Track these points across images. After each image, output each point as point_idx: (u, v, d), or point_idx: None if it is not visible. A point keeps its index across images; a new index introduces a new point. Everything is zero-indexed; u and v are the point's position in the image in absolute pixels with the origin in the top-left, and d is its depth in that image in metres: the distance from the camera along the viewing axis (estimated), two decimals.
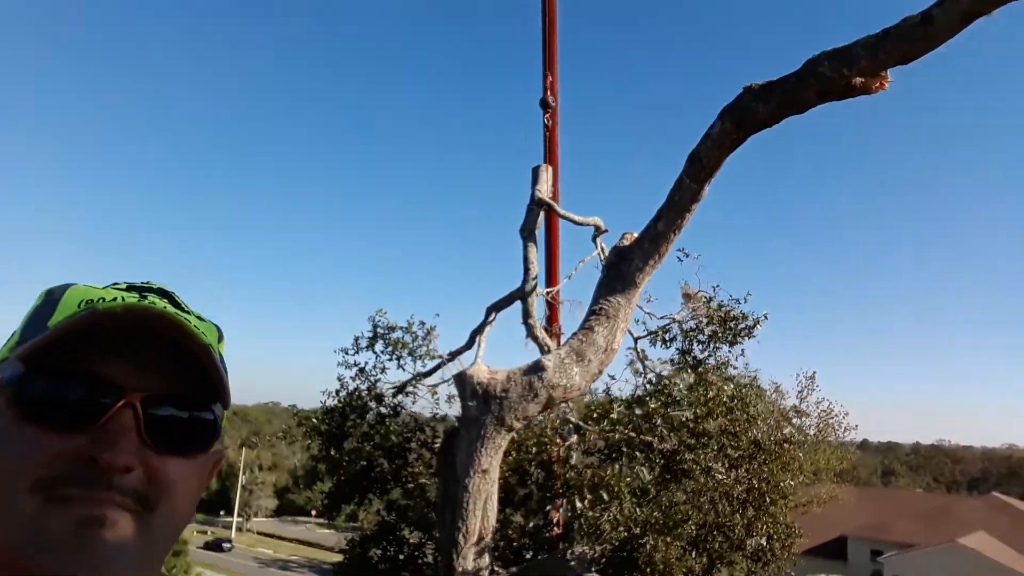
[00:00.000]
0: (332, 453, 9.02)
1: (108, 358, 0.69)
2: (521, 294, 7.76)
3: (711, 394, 8.44)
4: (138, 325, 0.69)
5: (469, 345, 8.65)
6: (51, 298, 0.75)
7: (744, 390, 9.37)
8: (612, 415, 8.54)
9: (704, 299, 9.13)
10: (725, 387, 8.78)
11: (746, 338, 9.09)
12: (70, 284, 0.77)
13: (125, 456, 0.66)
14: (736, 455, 8.65)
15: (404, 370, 9.14)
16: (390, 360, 9.17)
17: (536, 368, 5.85)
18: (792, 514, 10.47)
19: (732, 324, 9.05)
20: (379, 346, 9.16)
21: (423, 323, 9.27)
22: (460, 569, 5.26)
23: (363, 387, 9.18)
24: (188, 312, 0.78)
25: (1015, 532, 29.51)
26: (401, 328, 9.18)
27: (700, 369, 9.00)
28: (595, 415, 8.87)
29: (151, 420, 0.69)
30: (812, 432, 13.73)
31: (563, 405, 7.79)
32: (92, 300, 0.72)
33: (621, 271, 6.16)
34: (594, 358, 6.04)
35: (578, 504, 8.18)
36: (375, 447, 9.01)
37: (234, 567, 45.86)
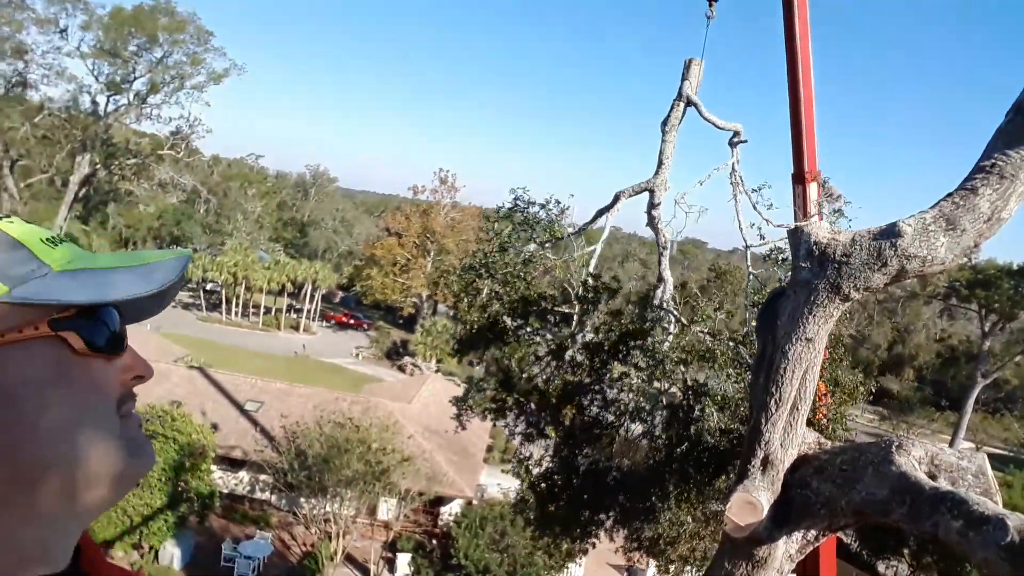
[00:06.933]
0: (464, 305, 10.04)
1: None
2: (650, 186, 8.14)
3: None
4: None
5: (592, 222, 9.11)
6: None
7: None
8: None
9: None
10: None
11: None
12: None
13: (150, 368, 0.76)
14: None
15: (535, 242, 10.00)
16: (524, 232, 9.91)
17: (890, 232, 4.81)
18: None
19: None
20: (517, 217, 9.93)
21: (559, 202, 9.86)
22: (767, 436, 4.92)
23: (496, 251, 9.98)
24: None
25: None
26: (538, 204, 9.90)
27: None
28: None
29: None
30: None
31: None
32: (51, 240, 0.70)
33: None
34: (970, 228, 4.75)
35: None
36: (501, 303, 9.89)
37: None
